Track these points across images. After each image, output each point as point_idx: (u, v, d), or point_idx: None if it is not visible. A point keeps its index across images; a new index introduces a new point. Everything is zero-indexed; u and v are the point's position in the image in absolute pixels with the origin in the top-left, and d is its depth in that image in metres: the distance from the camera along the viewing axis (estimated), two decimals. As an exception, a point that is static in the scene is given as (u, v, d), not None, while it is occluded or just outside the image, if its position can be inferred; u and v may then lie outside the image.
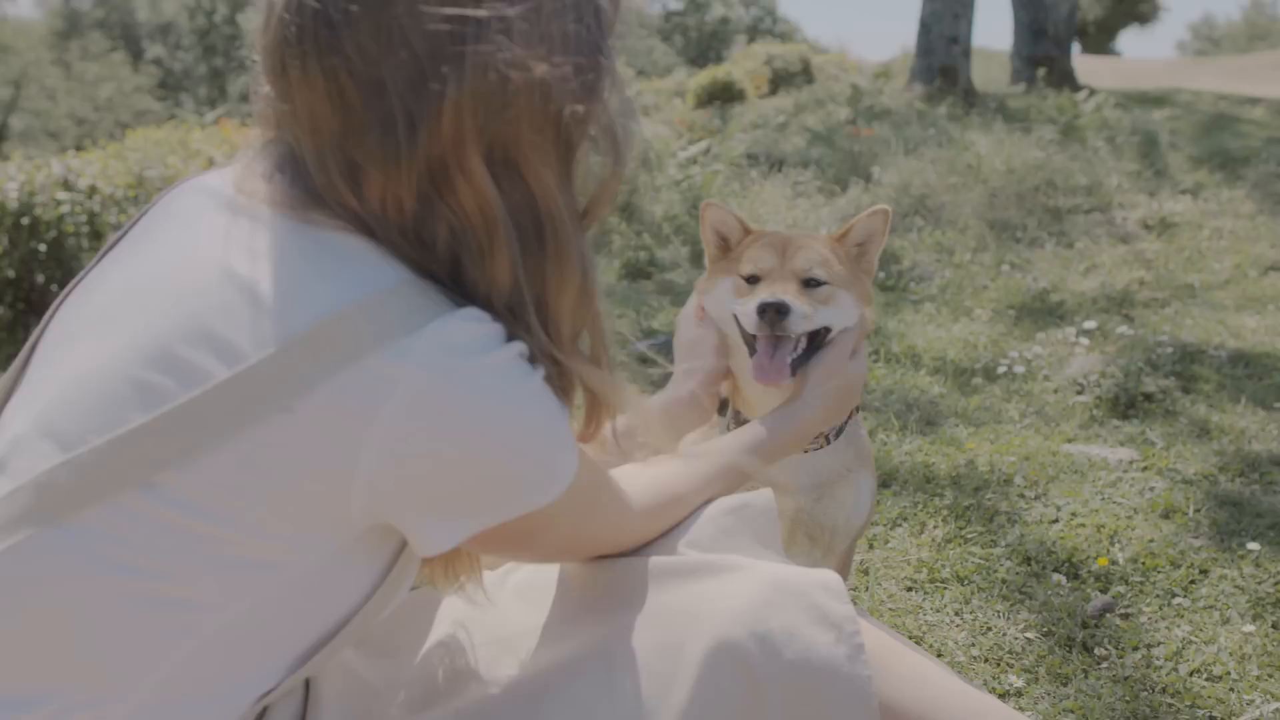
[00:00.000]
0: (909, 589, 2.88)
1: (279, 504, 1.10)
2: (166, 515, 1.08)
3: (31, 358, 1.28)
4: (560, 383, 1.22)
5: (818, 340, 1.95)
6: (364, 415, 1.08)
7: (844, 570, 2.16)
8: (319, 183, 1.16)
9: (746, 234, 2.07)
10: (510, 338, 1.16)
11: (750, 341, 1.96)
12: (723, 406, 2.09)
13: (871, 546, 3.11)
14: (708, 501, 1.53)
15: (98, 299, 1.24)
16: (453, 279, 1.16)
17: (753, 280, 1.98)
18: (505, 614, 1.53)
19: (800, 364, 1.92)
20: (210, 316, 1.11)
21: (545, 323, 1.20)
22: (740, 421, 2.01)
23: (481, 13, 1.10)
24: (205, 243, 1.18)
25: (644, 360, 4.38)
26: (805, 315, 1.90)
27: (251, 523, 1.10)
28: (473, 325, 1.13)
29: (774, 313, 1.88)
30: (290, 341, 1.07)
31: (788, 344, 1.92)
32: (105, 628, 1.10)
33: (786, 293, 1.91)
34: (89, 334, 1.19)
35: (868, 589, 2.88)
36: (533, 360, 1.18)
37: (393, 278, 1.13)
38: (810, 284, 1.95)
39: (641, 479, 1.45)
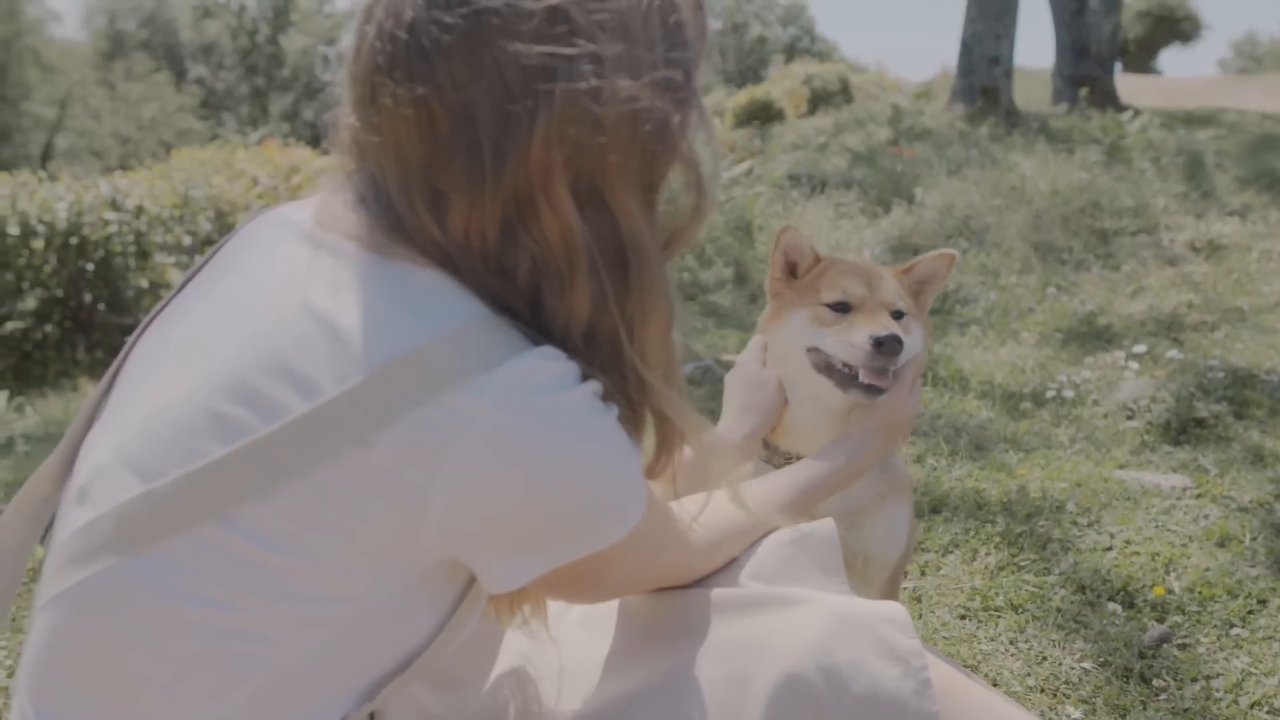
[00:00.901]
0: (962, 617, 2.86)
1: (353, 538, 1.11)
2: (242, 548, 1.09)
3: (113, 385, 1.29)
4: (632, 420, 1.22)
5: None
6: (439, 452, 1.08)
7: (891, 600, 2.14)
8: (402, 211, 1.17)
9: (817, 261, 2.05)
10: (585, 376, 1.16)
11: (826, 369, 1.93)
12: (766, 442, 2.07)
13: (924, 573, 3.09)
14: (768, 532, 1.53)
15: (178, 330, 1.25)
16: (532, 310, 1.17)
17: (839, 308, 1.94)
18: (569, 646, 1.53)
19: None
20: (289, 350, 1.11)
21: (627, 355, 1.20)
22: (781, 455, 2.00)
23: (573, 49, 1.11)
24: (285, 276, 1.19)
25: (691, 383, 4.39)
26: (908, 349, 1.89)
27: (325, 556, 1.11)
28: (548, 363, 1.13)
29: (892, 344, 1.85)
30: (368, 377, 1.08)
31: (885, 375, 1.90)
32: (178, 657, 1.11)
33: (890, 325, 1.88)
34: (169, 364, 1.21)
35: (920, 616, 2.86)
36: (606, 399, 1.18)
37: (470, 314, 1.14)
38: (896, 315, 1.94)
39: (705, 510, 1.45)
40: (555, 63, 1.11)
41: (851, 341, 1.88)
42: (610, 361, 1.19)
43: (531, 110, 1.11)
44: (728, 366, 2.08)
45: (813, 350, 1.95)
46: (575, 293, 1.16)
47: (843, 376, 1.91)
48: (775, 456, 2.02)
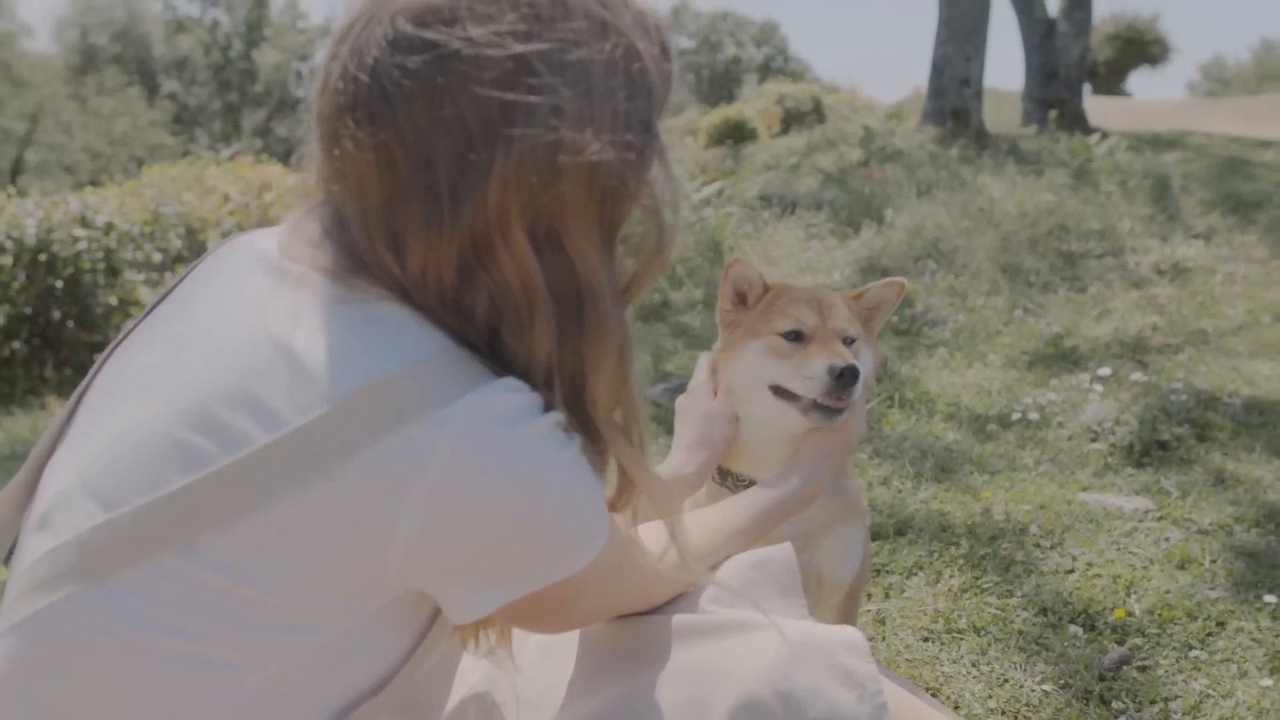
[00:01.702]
0: (925, 639, 2.88)
1: (316, 569, 1.11)
2: (205, 577, 1.09)
3: (78, 409, 1.30)
4: (596, 452, 1.23)
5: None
6: (402, 483, 1.09)
7: (849, 624, 2.16)
8: (362, 248, 1.18)
9: (766, 290, 2.07)
10: (548, 407, 1.17)
11: (786, 394, 1.96)
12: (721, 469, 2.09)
13: (888, 596, 3.11)
14: (725, 558, 1.55)
15: (144, 356, 1.26)
16: (491, 349, 1.18)
17: (793, 337, 1.97)
18: (530, 672, 1.54)
19: None
20: (252, 380, 1.12)
21: (582, 397, 1.21)
22: (734, 479, 2.02)
23: (534, 98, 1.12)
24: (249, 305, 1.20)
25: (658, 405, 4.40)
26: (862, 378, 1.92)
27: (289, 586, 1.11)
28: (510, 395, 1.14)
29: (850, 376, 1.88)
30: (330, 409, 1.09)
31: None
32: (144, 686, 1.11)
33: (844, 354, 1.91)
34: (134, 391, 1.21)
35: (884, 639, 2.88)
36: (569, 429, 1.19)
37: (432, 347, 1.15)
38: (848, 342, 1.96)
39: (662, 538, 1.46)
40: (515, 111, 1.11)
41: (809, 374, 1.91)
42: (570, 401, 1.20)
43: (489, 156, 1.11)
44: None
45: (767, 384, 1.97)
46: (535, 333, 1.16)
47: (804, 402, 1.93)
48: (728, 479, 2.03)
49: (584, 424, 1.22)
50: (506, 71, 1.12)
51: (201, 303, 1.27)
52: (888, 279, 2.06)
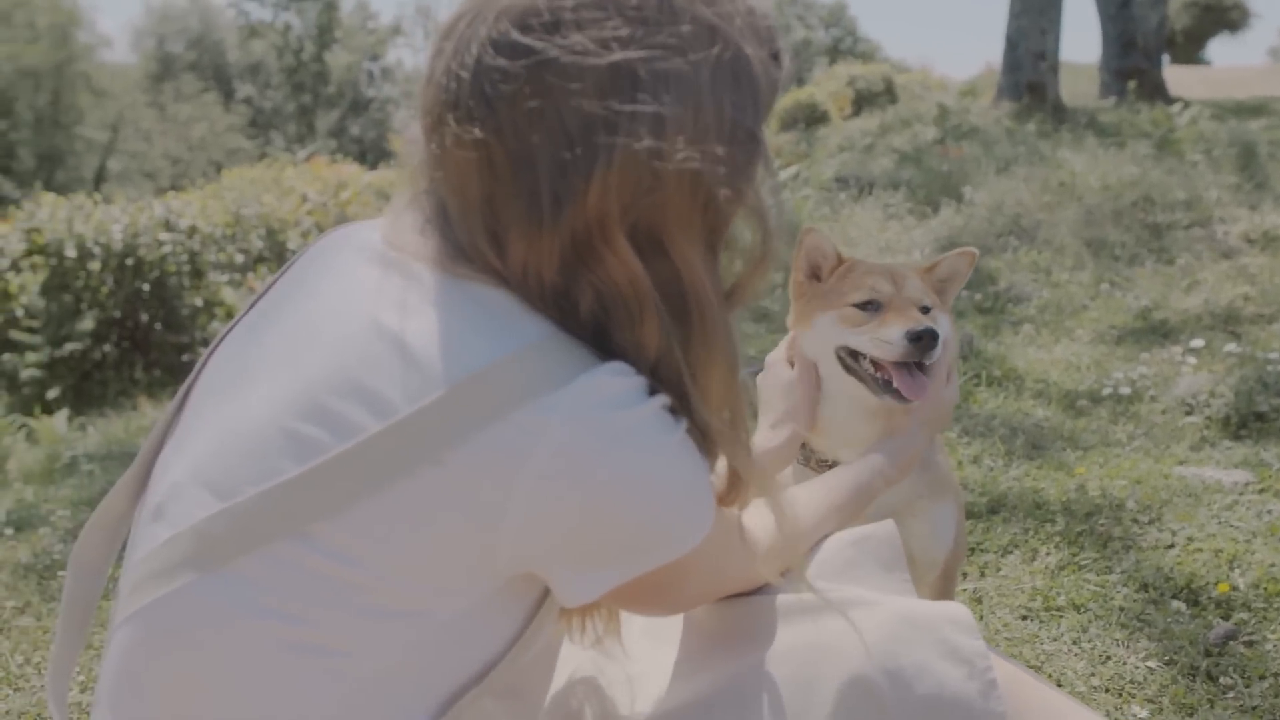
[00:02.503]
0: (1024, 618, 2.85)
1: (427, 554, 1.12)
2: (318, 564, 1.10)
3: (186, 403, 1.32)
4: (702, 437, 1.22)
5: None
6: (512, 468, 1.09)
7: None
8: (463, 241, 1.18)
9: (840, 263, 2.05)
10: (653, 390, 1.17)
11: (856, 370, 1.94)
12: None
13: (983, 574, 3.08)
14: (826, 536, 1.54)
15: (250, 348, 1.27)
16: (596, 341, 1.17)
17: (868, 307, 1.95)
18: (636, 656, 1.54)
19: None
20: (361, 369, 1.13)
21: (688, 395, 1.19)
22: (817, 457, 2.01)
23: (634, 106, 1.11)
24: (356, 295, 1.21)
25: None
26: (943, 341, 1.90)
27: (400, 572, 1.12)
28: (618, 379, 1.14)
29: (930, 339, 1.86)
30: (440, 395, 1.09)
31: (918, 369, 1.90)
32: (257, 672, 1.13)
33: (921, 319, 1.90)
34: (243, 383, 1.23)
35: (982, 618, 2.85)
36: (675, 413, 1.18)
37: (538, 332, 1.15)
38: (924, 311, 1.94)
39: (765, 517, 1.45)
40: (616, 118, 1.11)
41: (886, 338, 1.89)
42: (676, 396, 1.19)
43: (590, 161, 1.11)
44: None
45: (843, 350, 1.95)
46: (644, 328, 1.16)
47: (876, 382, 1.92)
48: (811, 459, 2.02)
49: (689, 418, 1.21)
50: (607, 79, 1.11)
51: (307, 294, 1.28)
52: (959, 249, 2.03)
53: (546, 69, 1.11)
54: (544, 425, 1.10)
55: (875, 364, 1.92)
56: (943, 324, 1.96)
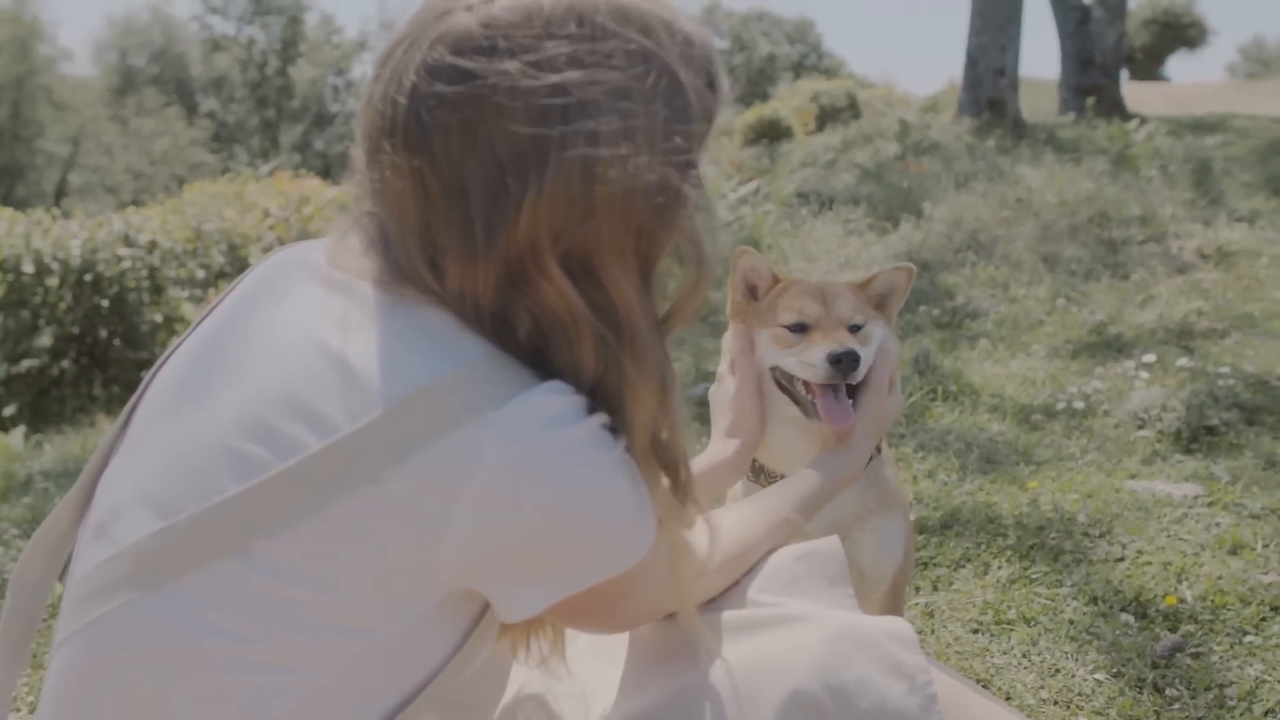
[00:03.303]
0: (975, 631, 2.87)
1: (368, 571, 1.13)
2: (259, 582, 1.11)
3: (130, 422, 1.32)
4: (643, 456, 1.23)
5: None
6: (452, 487, 1.11)
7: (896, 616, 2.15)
8: (403, 263, 1.20)
9: (776, 281, 2.07)
10: (592, 409, 1.18)
11: (790, 390, 1.97)
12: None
13: (936, 588, 3.11)
14: (771, 552, 1.55)
15: (195, 368, 1.28)
16: (535, 362, 1.19)
17: (797, 329, 1.97)
18: (581, 670, 1.55)
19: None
20: (304, 388, 1.14)
21: (631, 414, 1.21)
22: (767, 475, 2.03)
23: (567, 128, 1.13)
24: (300, 315, 1.21)
25: (701, 404, 4.40)
26: (867, 361, 1.92)
27: (343, 589, 1.13)
28: (556, 398, 1.16)
29: (849, 362, 1.88)
30: (380, 414, 1.10)
31: (842, 391, 1.92)
32: (199, 691, 1.13)
33: (845, 341, 1.92)
34: (185, 402, 1.23)
35: (933, 631, 2.87)
36: (614, 431, 1.20)
37: (478, 352, 1.16)
38: (854, 329, 1.97)
39: (707, 534, 1.46)
40: (547, 145, 1.13)
41: (810, 360, 1.92)
42: (615, 416, 1.21)
43: (521, 189, 1.13)
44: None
45: (777, 370, 1.98)
46: (582, 351, 1.18)
47: (807, 404, 1.95)
48: (761, 475, 2.03)
49: (628, 436, 1.22)
50: (540, 106, 1.13)
51: (251, 314, 1.28)
52: (896, 264, 2.06)
53: (481, 93, 1.13)
54: (483, 443, 1.11)
55: (806, 385, 1.95)
56: (876, 337, 1.97)
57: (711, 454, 1.95)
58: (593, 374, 1.19)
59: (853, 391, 1.95)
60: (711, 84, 1.26)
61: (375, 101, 1.19)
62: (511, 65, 1.13)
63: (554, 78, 1.13)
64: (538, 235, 1.14)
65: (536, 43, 1.14)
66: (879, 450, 2.04)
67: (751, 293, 2.08)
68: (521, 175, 1.13)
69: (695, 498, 1.32)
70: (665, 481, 1.28)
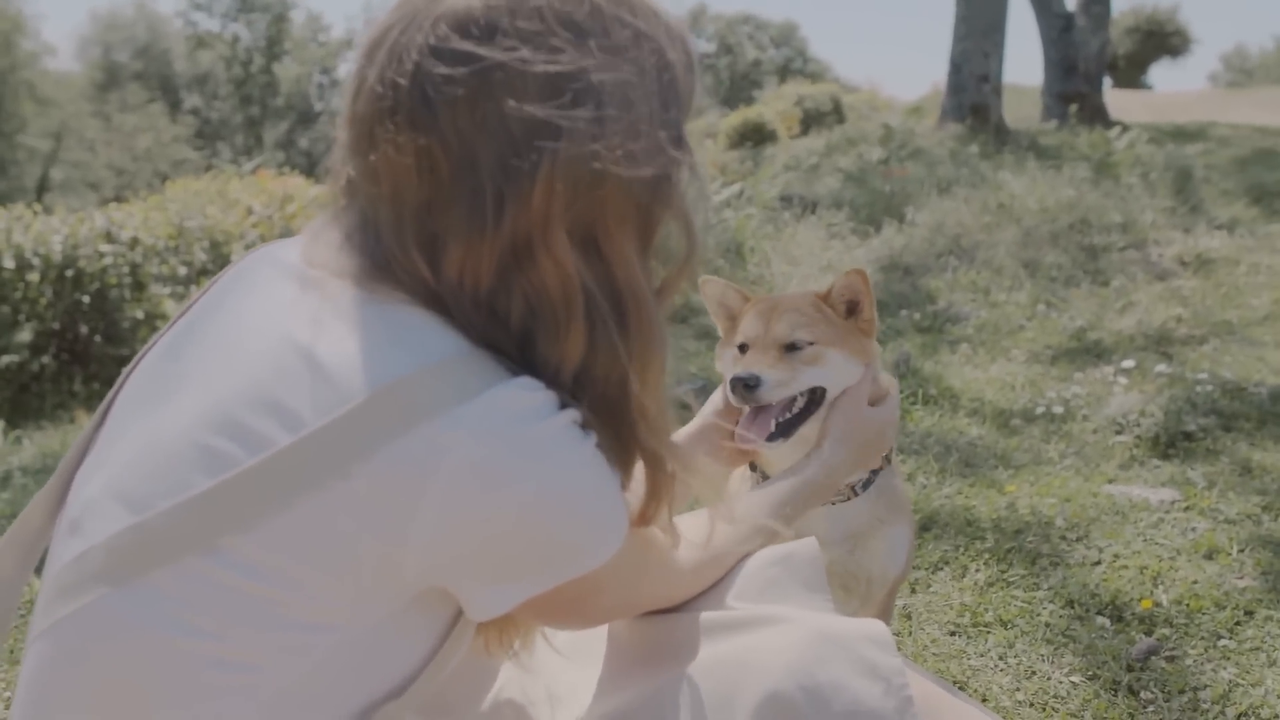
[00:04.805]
0: (952, 633, 2.89)
1: (336, 568, 1.13)
2: (229, 578, 1.11)
3: (106, 419, 1.32)
4: (618, 455, 1.24)
5: (816, 398, 1.98)
6: (418, 482, 1.10)
7: (885, 618, 2.16)
8: (392, 251, 1.19)
9: (745, 301, 2.10)
10: (563, 405, 1.18)
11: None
12: (753, 465, 2.11)
13: (914, 591, 3.12)
14: (749, 554, 1.55)
15: (169, 365, 1.28)
16: (521, 352, 1.19)
17: (744, 349, 2.03)
18: (558, 670, 1.55)
19: (794, 424, 1.97)
20: (274, 384, 1.14)
21: (624, 401, 1.22)
22: (764, 477, 2.04)
23: (576, 101, 1.14)
24: (272, 312, 1.21)
25: (684, 406, 4.41)
26: (780, 382, 1.94)
27: (311, 586, 1.12)
28: (526, 394, 1.16)
29: (743, 387, 1.93)
30: (348, 410, 1.10)
31: (769, 410, 1.96)
32: (169, 687, 1.13)
33: (763, 362, 1.95)
34: (159, 399, 1.23)
35: (910, 634, 2.88)
36: (585, 427, 1.20)
37: (449, 348, 1.16)
38: (793, 348, 1.98)
39: (683, 535, 1.47)
40: (559, 121, 1.13)
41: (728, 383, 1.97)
42: (601, 404, 1.21)
43: (534, 163, 1.13)
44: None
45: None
46: (570, 337, 1.18)
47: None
48: (760, 478, 2.05)
49: (620, 426, 1.23)
50: (548, 85, 1.14)
51: (226, 312, 1.28)
52: (848, 270, 2.06)
53: (491, 74, 1.13)
54: (452, 438, 1.11)
55: None
56: (828, 356, 1.98)
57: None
58: (577, 363, 1.19)
59: (809, 411, 1.98)
60: (690, 62, 1.28)
61: (371, 85, 1.18)
62: (517, 46, 1.14)
63: (559, 59, 1.14)
64: (551, 209, 1.14)
65: (539, 25, 1.15)
66: (888, 460, 2.06)
67: (731, 315, 2.13)
68: (535, 151, 1.13)
69: (685, 468, 1.33)
70: (644, 478, 1.28)
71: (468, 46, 1.14)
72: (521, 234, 1.15)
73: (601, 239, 1.18)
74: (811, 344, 1.98)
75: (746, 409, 1.96)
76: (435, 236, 1.17)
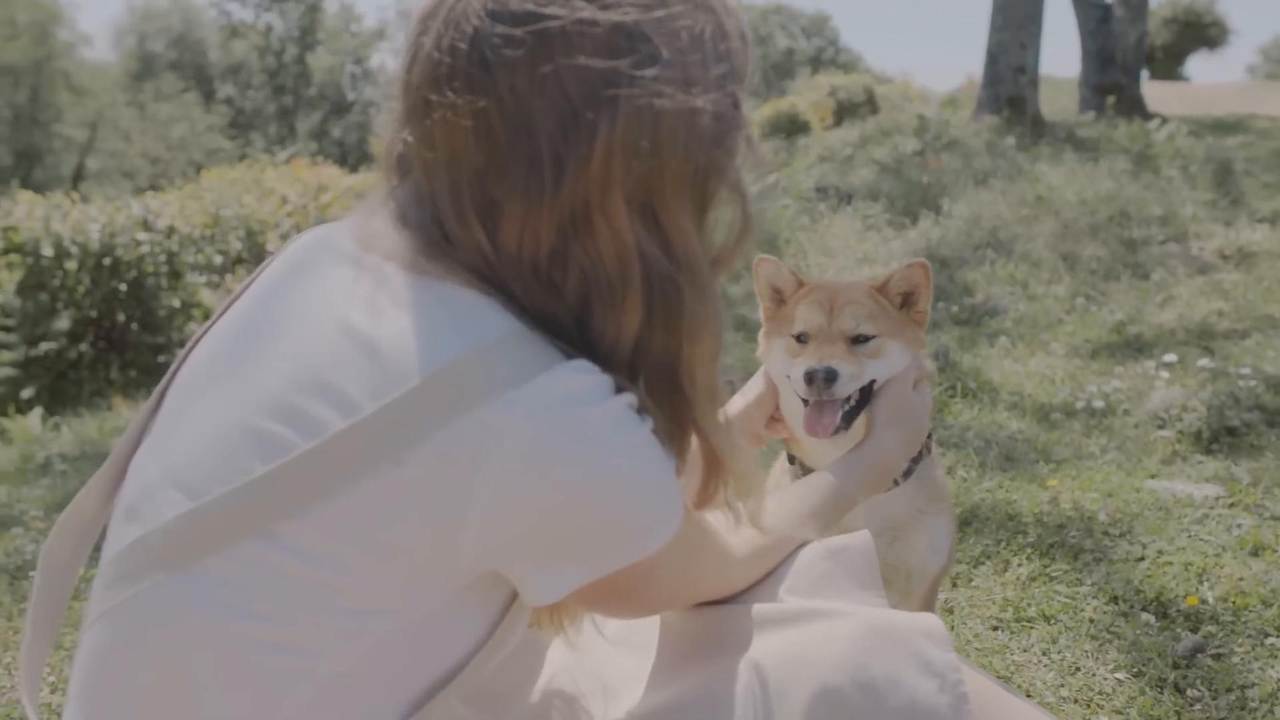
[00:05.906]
0: (994, 628, 2.87)
1: (390, 552, 1.12)
2: (285, 563, 1.11)
3: (161, 404, 1.32)
4: (674, 437, 1.23)
5: (867, 390, 1.96)
6: (473, 466, 1.10)
7: (928, 613, 2.15)
8: (449, 223, 1.19)
9: (800, 286, 2.07)
10: (619, 389, 1.17)
11: (806, 399, 1.97)
12: (792, 457, 2.10)
13: (955, 585, 3.10)
14: (802, 546, 1.54)
15: (223, 350, 1.28)
16: (578, 324, 1.18)
17: (803, 339, 1.99)
18: (608, 660, 1.54)
19: (853, 416, 1.94)
20: (329, 368, 1.13)
21: (676, 375, 1.21)
22: (804, 470, 2.02)
23: (636, 64, 1.13)
24: (327, 296, 1.21)
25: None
26: (853, 376, 1.92)
27: (365, 571, 1.12)
28: (582, 376, 1.15)
29: (822, 380, 1.90)
30: (403, 393, 1.10)
31: (834, 403, 1.93)
32: (225, 672, 1.13)
33: (834, 355, 1.92)
34: (215, 384, 1.23)
35: (953, 628, 2.86)
36: (642, 411, 1.19)
37: (504, 329, 1.15)
38: (858, 340, 1.96)
39: (742, 523, 1.46)
40: (618, 78, 1.13)
41: (796, 374, 1.94)
42: (657, 379, 1.21)
43: (593, 123, 1.13)
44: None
45: (788, 380, 2.00)
46: (627, 308, 1.17)
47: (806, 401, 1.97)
48: (799, 470, 2.04)
49: (675, 403, 1.22)
50: (607, 43, 1.13)
51: (279, 296, 1.28)
52: (910, 261, 2.05)
53: (549, 34, 1.13)
54: (505, 422, 1.10)
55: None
56: (890, 350, 1.96)
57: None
58: (632, 337, 1.18)
59: (864, 402, 1.95)
60: (744, 38, 1.27)
61: (427, 52, 1.17)
62: (577, 5, 1.13)
63: (617, 15, 1.14)
64: (610, 173, 1.14)
65: None
66: (927, 450, 2.04)
67: (779, 297, 2.09)
68: (593, 113, 1.13)
69: (730, 454, 1.31)
70: (699, 446, 1.28)
71: (527, 6, 1.13)
72: (580, 200, 1.14)
73: (659, 208, 1.18)
74: (874, 336, 1.96)
75: (809, 402, 1.94)
76: (493, 203, 1.16)
